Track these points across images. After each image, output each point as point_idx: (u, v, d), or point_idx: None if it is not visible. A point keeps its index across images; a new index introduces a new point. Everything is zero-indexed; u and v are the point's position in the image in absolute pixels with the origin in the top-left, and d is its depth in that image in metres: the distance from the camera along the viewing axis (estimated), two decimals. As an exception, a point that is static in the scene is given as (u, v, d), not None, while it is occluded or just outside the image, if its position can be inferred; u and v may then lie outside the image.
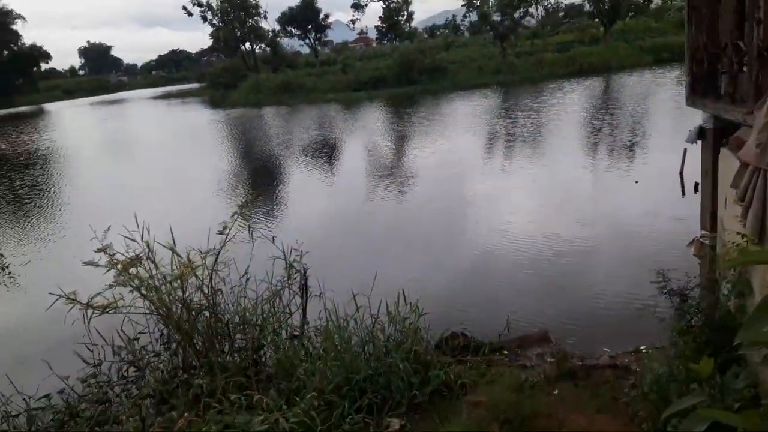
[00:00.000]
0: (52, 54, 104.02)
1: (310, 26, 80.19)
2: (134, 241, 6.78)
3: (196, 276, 6.92)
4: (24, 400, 6.34)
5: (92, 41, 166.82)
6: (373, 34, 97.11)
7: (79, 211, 19.09)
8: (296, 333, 7.43)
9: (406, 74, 54.73)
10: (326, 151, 27.27)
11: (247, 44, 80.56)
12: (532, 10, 66.40)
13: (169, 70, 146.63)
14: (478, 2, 64.35)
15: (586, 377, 5.91)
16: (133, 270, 6.66)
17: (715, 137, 5.77)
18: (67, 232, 16.36)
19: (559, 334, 7.90)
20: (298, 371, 5.97)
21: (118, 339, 7.16)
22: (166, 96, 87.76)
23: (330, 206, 17.48)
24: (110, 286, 6.51)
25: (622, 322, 8.34)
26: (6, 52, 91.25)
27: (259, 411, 5.13)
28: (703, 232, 6.14)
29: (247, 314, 7.22)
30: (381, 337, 6.70)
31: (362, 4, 78.89)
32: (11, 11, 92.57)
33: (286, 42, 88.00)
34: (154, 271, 6.76)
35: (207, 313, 7.08)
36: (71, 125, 57.97)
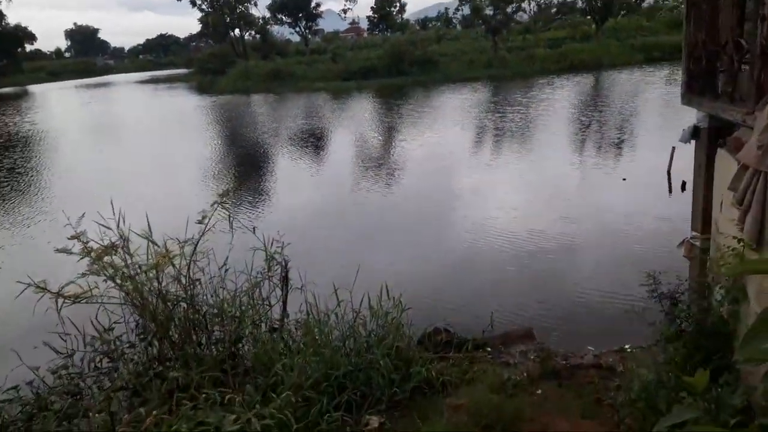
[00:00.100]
0: (37, 35, 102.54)
1: (301, 14, 79.42)
2: (109, 228, 6.55)
3: (174, 266, 6.72)
4: (-10, 391, 6.11)
5: (79, 23, 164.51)
6: (364, 24, 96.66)
7: (59, 196, 18.70)
8: (276, 326, 7.25)
9: (396, 65, 54.48)
10: (312, 141, 27.01)
11: (237, 30, 79.64)
12: (524, 5, 66.37)
13: (156, 55, 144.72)
14: (471, -5, 64.13)
15: (569, 377, 5.81)
16: (107, 258, 6.45)
17: (710, 137, 5.66)
18: (45, 217, 15.99)
19: (542, 331, 7.83)
20: (277, 366, 5.81)
21: (92, 329, 6.94)
22: (153, 81, 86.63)
23: (314, 197, 17.27)
24: (83, 275, 6.30)
25: (606, 319, 8.30)
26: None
27: (234, 407, 4.96)
28: (694, 233, 6.04)
29: (226, 305, 7.03)
30: (362, 332, 6.57)
31: (354, -7, 78.34)
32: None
33: (276, 29, 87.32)
34: (129, 261, 6.54)
35: (184, 304, 6.88)
36: (55, 107, 57.00)
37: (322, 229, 13.51)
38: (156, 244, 6.77)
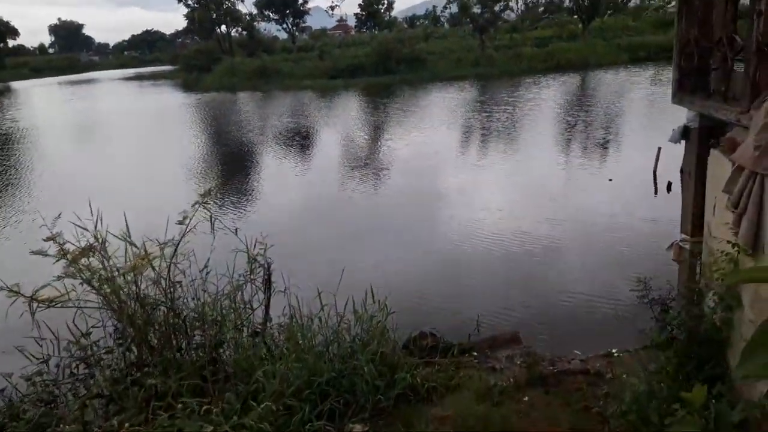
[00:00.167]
0: (21, 31, 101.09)
1: (288, 11, 78.86)
2: (86, 229, 6.35)
3: (153, 268, 6.53)
4: (-40, 399, 5.90)
5: (63, 19, 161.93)
6: (352, 22, 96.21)
7: (38, 195, 18.34)
8: (258, 330, 7.08)
9: (384, 63, 54.32)
10: (298, 140, 26.78)
11: (223, 27, 79.06)
12: (512, 3, 66.54)
13: (142, 51, 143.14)
14: (459, -6, 64.12)
15: (557, 383, 5.71)
16: (84, 261, 6.25)
17: (701, 137, 5.57)
18: (22, 217, 15.63)
19: (529, 334, 7.74)
20: (258, 373, 5.64)
21: (69, 334, 6.72)
22: (138, 77, 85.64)
23: (299, 197, 17.08)
24: (59, 278, 6.09)
25: (593, 323, 8.24)
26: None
27: (212, 417, 4.80)
28: (684, 236, 5.96)
29: (207, 309, 6.84)
30: (346, 336, 6.42)
31: (342, -9, 78.05)
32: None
33: (263, 26, 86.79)
34: (106, 263, 6.34)
35: (164, 308, 6.69)
36: (38, 104, 56.15)
37: (306, 230, 13.34)
38: (135, 246, 6.56)
